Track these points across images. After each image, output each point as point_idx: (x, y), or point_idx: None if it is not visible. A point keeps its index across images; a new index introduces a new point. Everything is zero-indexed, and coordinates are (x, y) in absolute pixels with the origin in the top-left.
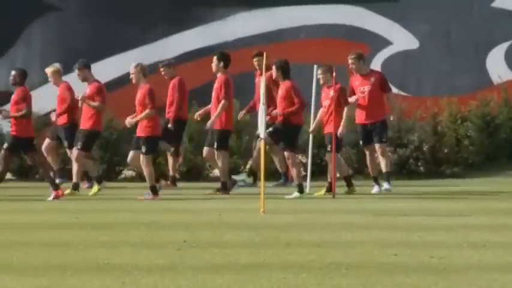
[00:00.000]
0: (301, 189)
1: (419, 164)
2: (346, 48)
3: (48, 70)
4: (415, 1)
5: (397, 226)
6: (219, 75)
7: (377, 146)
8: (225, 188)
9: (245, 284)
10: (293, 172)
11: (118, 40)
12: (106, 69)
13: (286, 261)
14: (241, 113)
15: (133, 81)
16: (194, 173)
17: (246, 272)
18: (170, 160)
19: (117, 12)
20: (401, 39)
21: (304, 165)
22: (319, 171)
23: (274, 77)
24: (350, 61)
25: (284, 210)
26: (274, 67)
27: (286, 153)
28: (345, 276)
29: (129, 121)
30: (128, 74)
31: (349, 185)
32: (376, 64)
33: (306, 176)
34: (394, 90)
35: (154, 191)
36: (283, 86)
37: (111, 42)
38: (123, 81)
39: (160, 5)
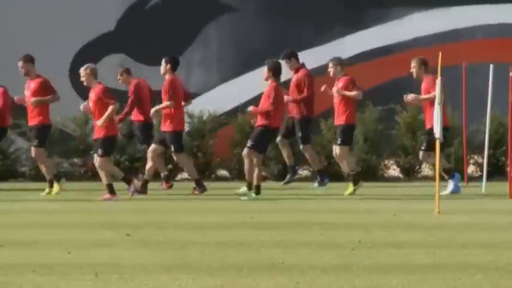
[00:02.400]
0: (258, 191)
1: None
2: None
3: None
4: None
5: None
6: (166, 77)
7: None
8: (201, 186)
9: (420, 284)
10: (255, 173)
11: (294, 40)
12: (283, 69)
13: (462, 261)
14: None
15: (85, 83)
16: (369, 172)
17: (420, 272)
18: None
19: (293, 13)
20: None
21: (480, 165)
22: (496, 171)
23: (264, 77)
24: (412, 64)
25: (459, 210)
26: (266, 67)
27: (250, 153)
28: None
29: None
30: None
31: (356, 183)
32: None
33: (481, 176)
34: None
35: (111, 189)
36: (269, 86)
37: (287, 42)
38: None
39: (337, 5)
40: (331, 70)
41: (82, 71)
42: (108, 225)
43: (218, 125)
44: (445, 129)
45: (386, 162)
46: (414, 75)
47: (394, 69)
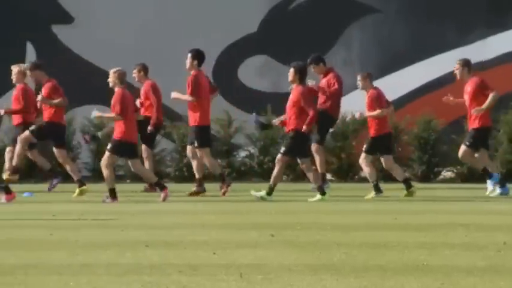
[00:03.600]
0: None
1: None
2: None
3: (14, 69)
4: None
5: None
6: (192, 72)
7: None
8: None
9: None
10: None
11: (436, 41)
12: (425, 70)
13: None
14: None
15: (110, 85)
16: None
17: None
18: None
19: (435, 13)
20: None
21: None
22: None
23: (290, 79)
24: (456, 66)
25: None
26: (292, 70)
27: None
28: None
29: (94, 113)
30: (447, 74)
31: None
32: None
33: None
34: None
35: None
36: (296, 90)
37: (429, 44)
38: (442, 81)
39: (480, 6)
40: (359, 83)
41: (111, 73)
42: (252, 226)
43: (361, 126)
44: (484, 129)
45: None
46: (458, 76)
47: None
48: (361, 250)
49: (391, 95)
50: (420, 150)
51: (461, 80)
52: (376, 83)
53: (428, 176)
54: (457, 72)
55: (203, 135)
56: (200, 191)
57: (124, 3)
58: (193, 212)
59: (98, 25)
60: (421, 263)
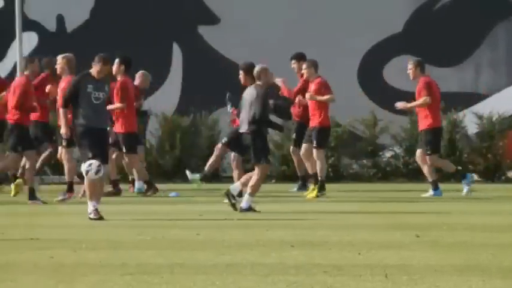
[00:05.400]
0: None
1: None
2: None
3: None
4: None
5: None
6: (118, 78)
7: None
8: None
9: None
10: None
11: None
12: None
13: None
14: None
15: (58, 71)
16: None
17: None
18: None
19: None
20: None
21: None
22: None
23: (243, 82)
24: (408, 66)
25: None
26: (241, 71)
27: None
28: None
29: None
30: None
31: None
32: None
33: None
34: None
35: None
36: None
37: None
38: None
39: None
40: (304, 72)
41: (59, 59)
42: (396, 227)
43: (507, 126)
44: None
45: None
46: (411, 77)
47: None
48: (508, 251)
49: None
50: None
51: (414, 79)
52: None
53: None
54: (410, 72)
55: (131, 142)
56: (117, 192)
57: (269, 3)
58: (337, 212)
59: (243, 26)
60: None
